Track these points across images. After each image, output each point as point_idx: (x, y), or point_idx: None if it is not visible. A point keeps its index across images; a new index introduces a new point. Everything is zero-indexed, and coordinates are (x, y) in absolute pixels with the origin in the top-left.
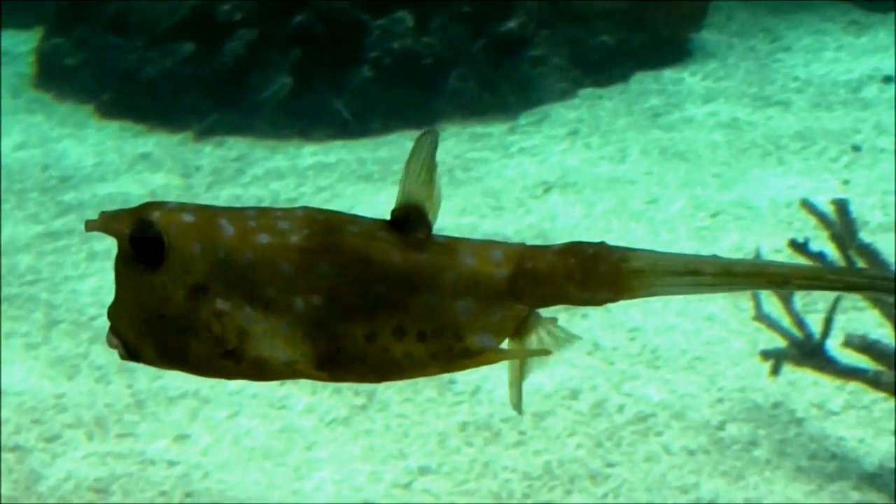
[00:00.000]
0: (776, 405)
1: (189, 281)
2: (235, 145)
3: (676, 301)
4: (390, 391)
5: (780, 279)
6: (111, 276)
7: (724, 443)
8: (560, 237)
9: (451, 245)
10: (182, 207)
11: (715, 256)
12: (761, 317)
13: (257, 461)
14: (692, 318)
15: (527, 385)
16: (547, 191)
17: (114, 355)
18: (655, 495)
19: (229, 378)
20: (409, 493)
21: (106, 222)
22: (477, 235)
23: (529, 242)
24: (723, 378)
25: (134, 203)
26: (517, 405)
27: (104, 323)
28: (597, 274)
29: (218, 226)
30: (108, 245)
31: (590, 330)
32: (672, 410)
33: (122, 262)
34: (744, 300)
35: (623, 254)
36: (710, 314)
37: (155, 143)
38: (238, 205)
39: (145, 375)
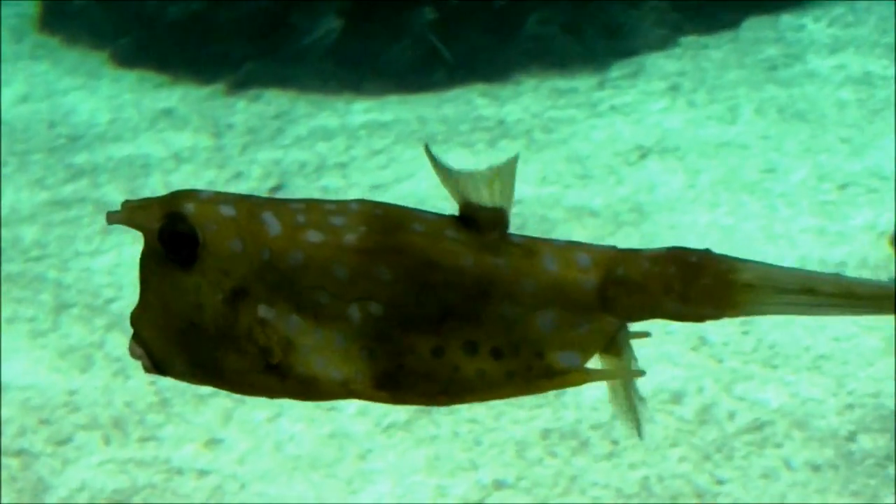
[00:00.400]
0: None
1: (227, 284)
2: (274, 100)
3: None
4: None
5: None
6: (131, 252)
7: (855, 457)
8: (658, 212)
9: (531, 247)
10: (219, 198)
11: (837, 274)
12: None
13: (303, 471)
14: None
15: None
16: (643, 157)
17: None
18: None
19: (271, 397)
20: None
21: (131, 214)
22: (559, 208)
23: (622, 218)
24: (853, 380)
25: (155, 168)
26: (639, 429)
27: (123, 307)
28: (700, 286)
29: (261, 221)
30: None
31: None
32: (793, 418)
33: (149, 259)
34: None
35: (731, 264)
36: None
37: (180, 96)
38: (277, 170)
39: None
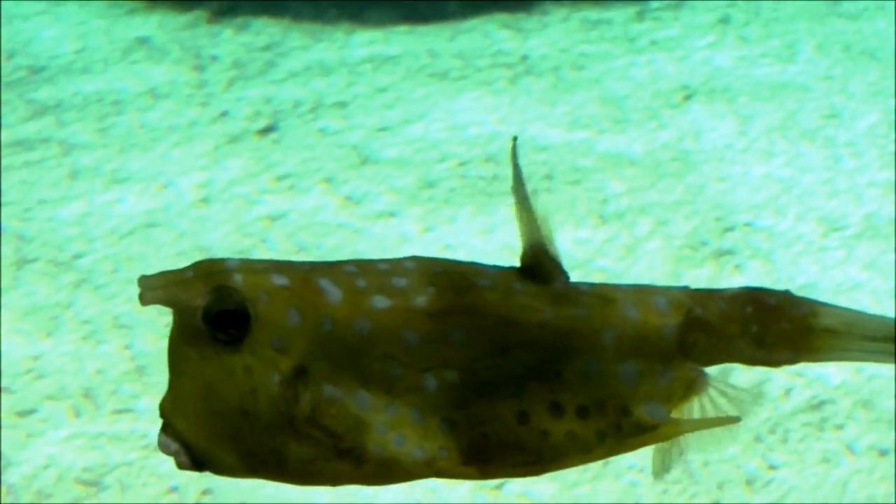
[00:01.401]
0: None
1: (285, 363)
2: (264, 29)
3: (864, 250)
4: None
5: None
6: (104, 199)
7: None
8: (705, 162)
9: (606, 293)
10: (268, 266)
11: (884, 317)
12: None
13: None
14: (884, 272)
15: None
16: (688, 98)
17: (109, 305)
18: None
19: (345, 484)
20: (503, 495)
21: (171, 291)
22: (592, 156)
23: (664, 168)
24: None
25: (129, 105)
26: (659, 473)
27: (92, 263)
28: (778, 330)
29: (319, 288)
30: (97, 159)
31: (745, 285)
32: (857, 397)
33: (186, 340)
34: None
35: (812, 308)
36: None
37: (157, 23)
38: (268, 109)
39: (149, 332)
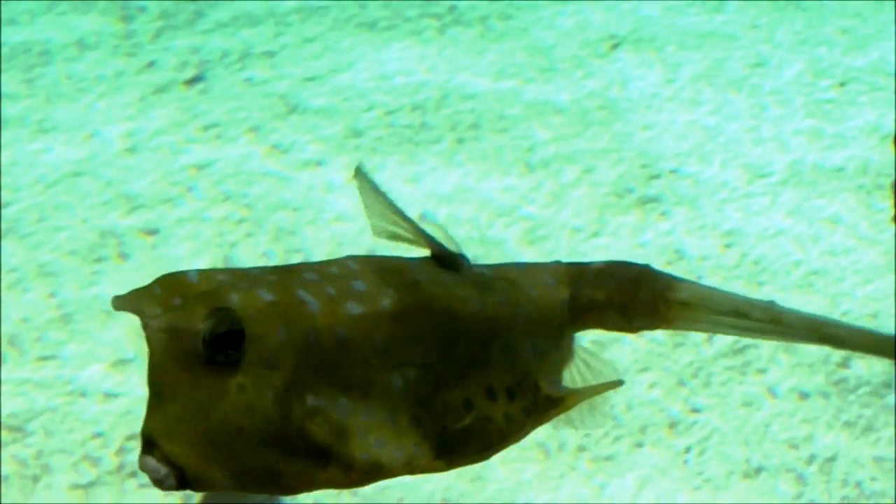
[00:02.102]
0: None
1: (277, 378)
2: None
3: (789, 197)
4: None
5: (837, 341)
6: (31, 148)
7: (849, 385)
8: (632, 110)
9: (508, 276)
10: (244, 280)
11: (771, 303)
12: None
13: None
14: (809, 219)
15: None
16: (615, 47)
17: (35, 254)
18: (755, 450)
19: (331, 488)
20: None
21: (172, 318)
22: (519, 105)
23: (593, 118)
24: (848, 299)
25: (56, 56)
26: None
27: (17, 212)
28: (638, 301)
29: (300, 301)
30: (24, 108)
31: (671, 232)
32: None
33: (180, 364)
34: (879, 197)
35: (668, 283)
36: (834, 214)
37: None
38: (195, 59)
39: (74, 281)
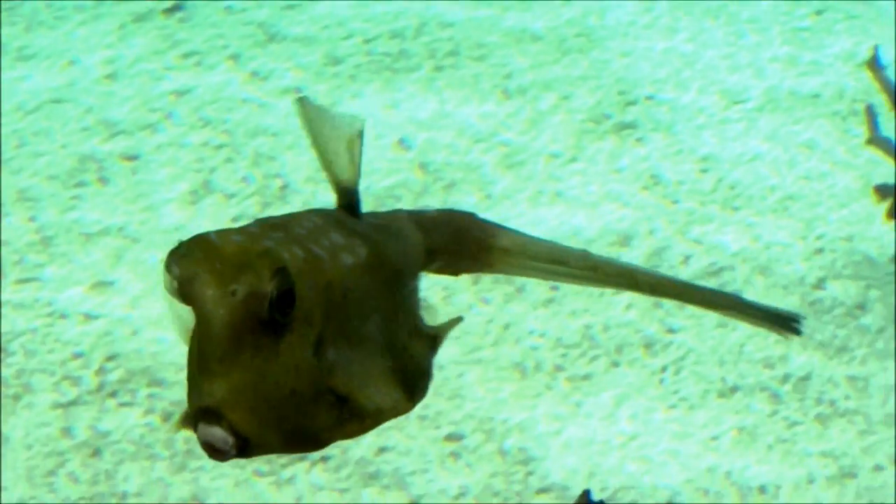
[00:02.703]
0: (894, 259)
1: (312, 333)
2: None
3: (765, 122)
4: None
5: (647, 288)
6: (9, 76)
7: (824, 305)
8: (609, 38)
9: (387, 222)
10: (275, 238)
11: (585, 251)
12: (877, 140)
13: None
14: (785, 144)
15: (561, 227)
16: None
17: (14, 179)
18: (730, 369)
19: (346, 439)
20: None
21: (228, 277)
22: (496, 33)
23: (568, 44)
24: (823, 223)
25: None
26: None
27: None
28: (463, 247)
29: (316, 256)
30: (4, 36)
31: (648, 158)
32: (755, 263)
33: (245, 328)
34: (854, 123)
35: (491, 230)
36: (809, 140)
37: None
38: None
39: (53, 205)
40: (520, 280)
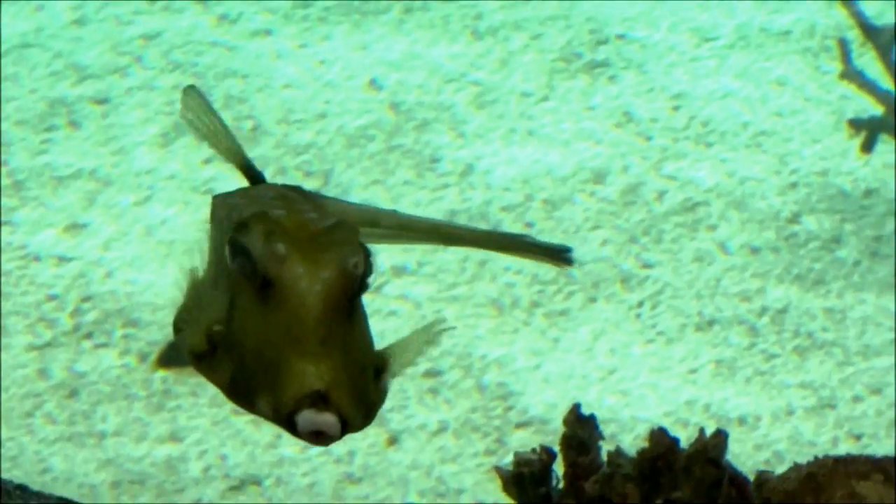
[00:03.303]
0: (869, 193)
1: (361, 305)
2: None
3: (736, 60)
4: (352, 170)
5: (456, 239)
6: None
7: (799, 239)
8: None
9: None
10: (314, 209)
11: (394, 211)
12: (850, 74)
13: (176, 258)
14: (757, 81)
15: (535, 166)
16: None
17: None
18: (707, 303)
19: None
20: (381, 297)
21: (330, 256)
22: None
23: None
24: (797, 158)
25: None
26: None
27: None
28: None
29: None
30: None
31: (620, 96)
32: (730, 198)
33: (338, 306)
34: (826, 59)
35: (317, 199)
36: (782, 76)
37: None
38: None
39: (24, 149)
40: (495, 217)
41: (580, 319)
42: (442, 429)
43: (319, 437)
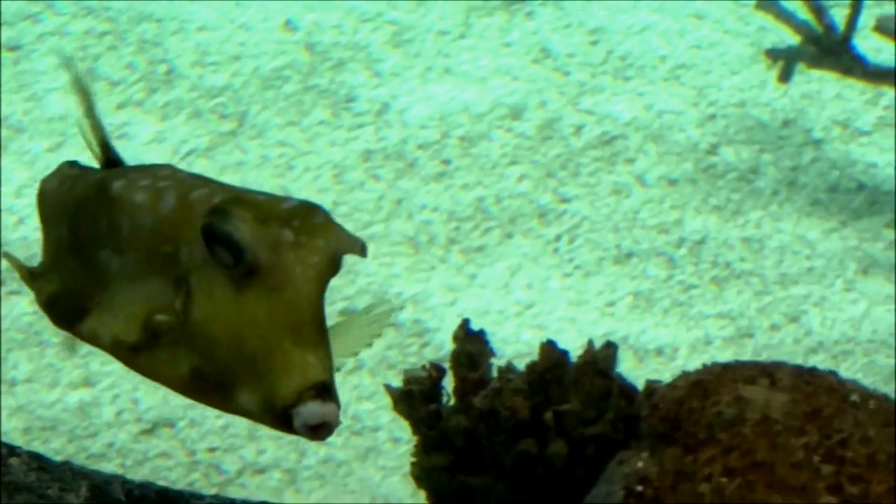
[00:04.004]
0: (786, 123)
1: None
2: None
3: None
4: (267, 112)
5: None
6: None
7: (717, 170)
8: None
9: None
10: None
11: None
12: (767, 5)
13: None
14: (674, 14)
15: (452, 103)
16: None
17: None
18: (625, 236)
19: None
20: None
21: (325, 243)
22: None
23: None
24: (715, 90)
25: None
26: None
27: None
28: None
29: None
30: None
31: (537, 32)
32: (648, 131)
33: (325, 289)
34: None
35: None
36: (698, 10)
37: None
38: None
39: None
40: (411, 155)
41: (497, 255)
42: (357, 367)
43: (319, 431)
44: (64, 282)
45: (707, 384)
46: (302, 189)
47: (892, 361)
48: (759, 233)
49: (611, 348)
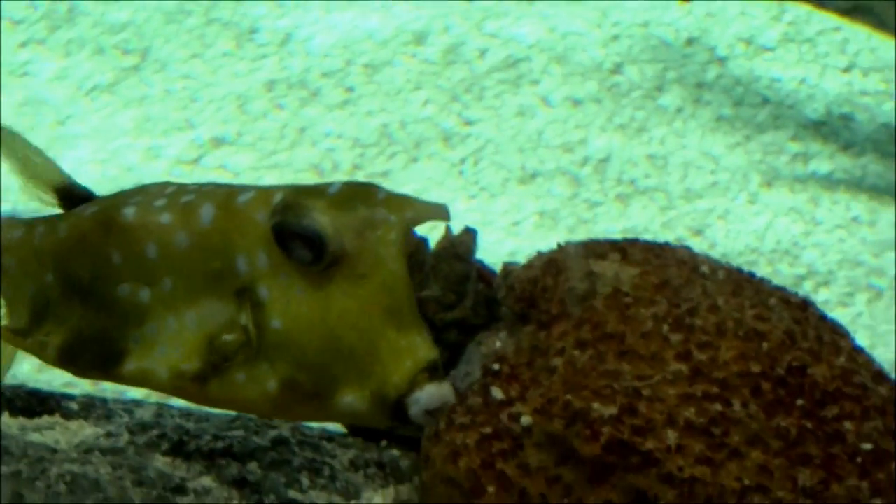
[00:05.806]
0: (691, 42)
1: None
2: None
3: None
4: (171, 46)
5: None
6: None
7: (621, 89)
8: None
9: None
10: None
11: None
12: None
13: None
14: None
15: (355, 31)
16: None
17: None
18: (530, 156)
19: None
20: (200, 168)
21: (405, 231)
22: None
23: None
24: (619, 10)
25: None
26: None
27: None
28: None
29: None
30: None
31: None
32: (552, 53)
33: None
34: None
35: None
36: None
37: None
38: None
39: None
40: (315, 84)
41: (402, 179)
42: None
43: (434, 414)
44: (74, 329)
45: (560, 262)
46: (207, 120)
47: (796, 270)
48: (664, 149)
49: (469, 234)
